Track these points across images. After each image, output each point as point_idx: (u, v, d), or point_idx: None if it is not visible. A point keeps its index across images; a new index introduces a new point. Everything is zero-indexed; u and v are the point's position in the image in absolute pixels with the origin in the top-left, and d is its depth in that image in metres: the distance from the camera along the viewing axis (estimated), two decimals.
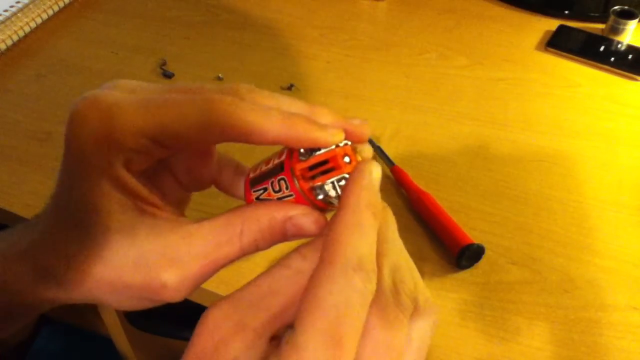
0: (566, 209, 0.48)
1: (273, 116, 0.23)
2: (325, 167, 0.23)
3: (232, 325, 0.21)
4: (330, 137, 0.23)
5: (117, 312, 0.69)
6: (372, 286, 0.20)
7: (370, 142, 0.53)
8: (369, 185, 0.22)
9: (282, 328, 0.22)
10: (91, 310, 0.79)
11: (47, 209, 0.25)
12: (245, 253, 0.24)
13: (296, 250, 0.23)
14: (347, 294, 0.20)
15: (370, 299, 0.20)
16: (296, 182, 0.23)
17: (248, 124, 0.23)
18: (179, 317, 0.71)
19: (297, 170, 0.23)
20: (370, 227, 0.22)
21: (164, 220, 0.24)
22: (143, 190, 0.24)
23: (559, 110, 0.58)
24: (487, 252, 0.44)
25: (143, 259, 0.23)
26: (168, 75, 0.63)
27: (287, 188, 0.24)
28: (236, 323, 0.21)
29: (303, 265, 0.22)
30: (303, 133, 0.23)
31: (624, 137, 0.55)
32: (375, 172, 0.23)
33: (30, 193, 0.51)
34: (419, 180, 0.49)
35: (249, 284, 0.22)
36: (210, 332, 0.21)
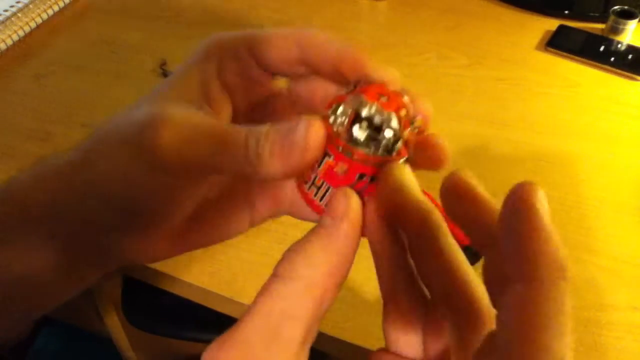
0: (566, 209, 0.48)
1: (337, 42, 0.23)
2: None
3: None
4: (381, 68, 0.22)
5: (117, 311, 0.69)
6: None
7: None
8: (544, 219, 0.15)
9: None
10: (91, 310, 0.79)
11: None
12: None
13: (296, 253, 0.19)
14: None
15: None
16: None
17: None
18: (179, 317, 0.71)
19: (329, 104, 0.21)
20: (564, 310, 0.14)
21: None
22: (219, 100, 0.26)
23: (559, 110, 0.58)
24: None
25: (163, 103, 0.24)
26: (168, 75, 0.63)
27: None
28: None
29: (314, 274, 0.18)
30: (359, 57, 0.22)
31: (624, 137, 0.55)
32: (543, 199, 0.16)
33: None
34: (419, 180, 0.49)
35: (254, 312, 0.17)
36: None
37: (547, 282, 0.15)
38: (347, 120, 0.19)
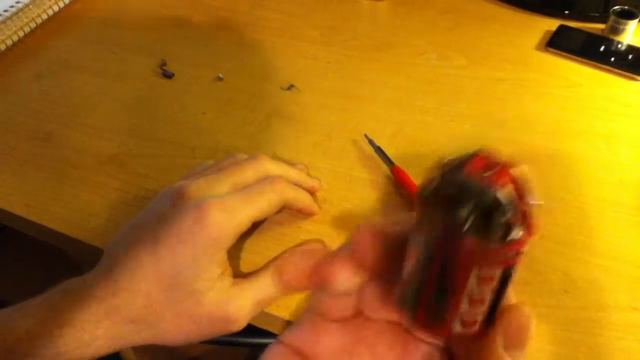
0: (566, 209, 0.48)
1: None
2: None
3: None
4: None
5: None
6: None
7: (370, 142, 0.53)
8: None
9: None
10: None
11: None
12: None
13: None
14: None
15: None
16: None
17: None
18: None
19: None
20: None
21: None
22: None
23: (559, 110, 0.58)
24: None
25: None
26: (168, 75, 0.63)
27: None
28: None
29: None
30: None
31: (624, 137, 0.55)
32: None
33: (30, 193, 0.51)
34: (419, 180, 0.49)
35: None
36: None
37: None
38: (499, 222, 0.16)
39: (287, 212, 0.47)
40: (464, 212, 0.16)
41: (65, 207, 0.49)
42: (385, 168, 0.51)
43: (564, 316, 0.41)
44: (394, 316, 0.22)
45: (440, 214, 0.17)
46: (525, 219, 0.17)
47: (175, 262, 0.36)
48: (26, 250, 0.87)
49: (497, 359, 0.19)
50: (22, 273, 0.88)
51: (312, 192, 0.47)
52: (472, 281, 0.17)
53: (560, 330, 0.40)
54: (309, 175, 0.49)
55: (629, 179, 0.50)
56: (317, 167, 0.51)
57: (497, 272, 0.17)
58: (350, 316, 0.23)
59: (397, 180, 0.50)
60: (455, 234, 0.16)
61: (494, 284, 0.17)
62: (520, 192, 0.17)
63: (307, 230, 0.46)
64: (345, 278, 0.21)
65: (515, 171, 0.18)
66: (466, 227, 0.16)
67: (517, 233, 0.16)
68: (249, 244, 0.46)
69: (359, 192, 0.49)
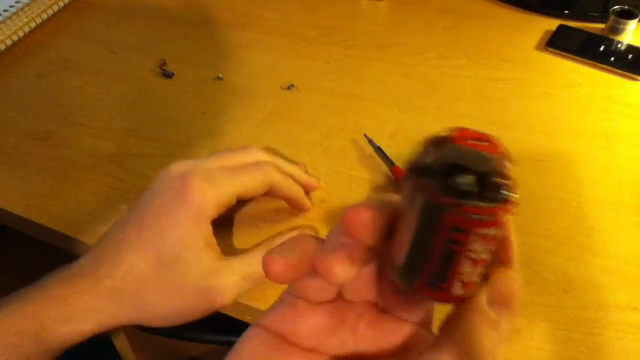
0: (566, 209, 0.48)
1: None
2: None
3: None
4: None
5: None
6: None
7: (370, 142, 0.53)
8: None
9: None
10: None
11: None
12: None
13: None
14: None
15: None
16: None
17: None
18: None
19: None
20: None
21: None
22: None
23: (559, 110, 0.58)
24: None
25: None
26: (168, 75, 0.63)
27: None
28: None
29: None
30: None
31: (624, 137, 0.55)
32: None
33: (30, 193, 0.51)
34: None
35: None
36: None
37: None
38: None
39: (286, 212, 0.47)
40: (464, 179, 0.17)
41: (65, 207, 0.49)
42: (385, 168, 0.51)
43: (564, 316, 0.41)
44: (374, 297, 0.22)
45: (438, 183, 0.17)
46: (512, 182, 0.18)
47: (160, 232, 0.37)
48: (26, 250, 0.86)
49: (480, 312, 0.19)
50: (22, 273, 0.88)
51: (310, 189, 0.47)
52: (475, 244, 0.18)
53: (560, 330, 0.40)
54: (307, 173, 0.48)
55: (629, 179, 0.50)
56: (317, 167, 0.51)
57: (495, 233, 0.18)
58: (332, 299, 0.23)
59: (397, 180, 0.50)
60: (456, 200, 0.17)
61: (493, 244, 0.18)
62: (505, 158, 0.18)
63: (307, 229, 0.46)
64: (343, 271, 0.21)
65: (496, 140, 0.19)
66: (466, 192, 0.17)
67: (509, 194, 0.17)
68: (248, 244, 0.46)
69: (359, 192, 0.49)
